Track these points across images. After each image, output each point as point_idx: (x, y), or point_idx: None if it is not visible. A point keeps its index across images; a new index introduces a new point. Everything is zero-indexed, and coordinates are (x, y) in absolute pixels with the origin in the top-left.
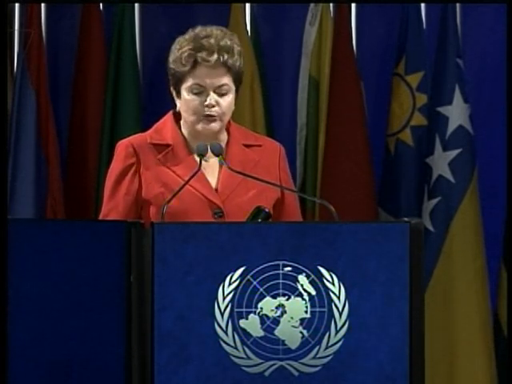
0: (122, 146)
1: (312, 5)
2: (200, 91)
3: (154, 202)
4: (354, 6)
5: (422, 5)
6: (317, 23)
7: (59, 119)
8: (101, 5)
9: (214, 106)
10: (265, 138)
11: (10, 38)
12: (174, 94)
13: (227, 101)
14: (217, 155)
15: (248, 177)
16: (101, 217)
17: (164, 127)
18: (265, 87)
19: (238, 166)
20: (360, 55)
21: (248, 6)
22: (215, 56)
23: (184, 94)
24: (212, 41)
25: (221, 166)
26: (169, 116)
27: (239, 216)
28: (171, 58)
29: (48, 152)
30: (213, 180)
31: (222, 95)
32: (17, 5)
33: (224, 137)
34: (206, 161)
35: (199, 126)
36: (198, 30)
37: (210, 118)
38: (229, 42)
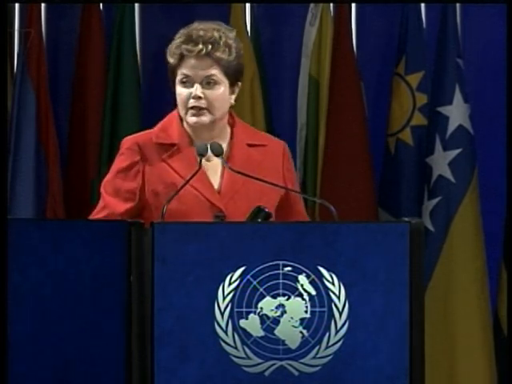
0: (128, 142)
1: (312, 5)
2: (187, 83)
3: (156, 202)
4: (354, 5)
5: (422, 5)
6: (317, 23)
7: (59, 119)
8: (101, 5)
9: (200, 98)
10: (270, 138)
11: (10, 38)
12: (173, 88)
13: (216, 94)
14: (216, 155)
15: (250, 177)
16: (99, 208)
17: (170, 126)
18: (265, 87)
19: (240, 166)
20: (360, 55)
21: (248, 5)
22: (199, 46)
23: (176, 87)
24: (201, 33)
25: (223, 166)
26: (174, 114)
27: (240, 219)
28: (167, 52)
29: (48, 152)
30: (215, 181)
31: (209, 87)
32: (17, 5)
33: (227, 135)
34: (208, 161)
35: (188, 119)
36: (196, 24)
37: (199, 111)
38: (216, 34)
